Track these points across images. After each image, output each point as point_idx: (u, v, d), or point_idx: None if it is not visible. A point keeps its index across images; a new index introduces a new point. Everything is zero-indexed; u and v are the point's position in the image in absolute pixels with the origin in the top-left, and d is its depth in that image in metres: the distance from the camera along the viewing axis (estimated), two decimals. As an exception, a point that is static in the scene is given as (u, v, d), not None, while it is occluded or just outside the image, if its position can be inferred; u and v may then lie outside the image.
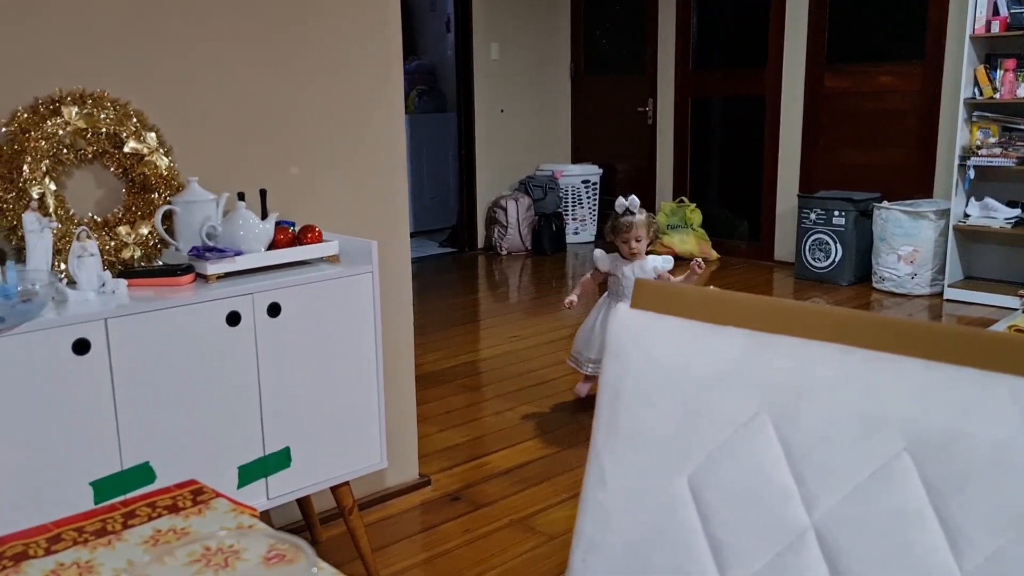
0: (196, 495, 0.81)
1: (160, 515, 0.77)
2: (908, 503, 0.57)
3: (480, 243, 6.70)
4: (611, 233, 3.43)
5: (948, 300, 5.01)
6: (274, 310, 1.99)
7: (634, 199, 3.36)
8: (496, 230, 6.57)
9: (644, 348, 0.69)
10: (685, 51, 6.44)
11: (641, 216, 3.38)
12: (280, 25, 2.31)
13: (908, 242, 5.09)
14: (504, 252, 6.54)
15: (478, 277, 6.08)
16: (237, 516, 0.78)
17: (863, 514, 0.58)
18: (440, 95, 7.45)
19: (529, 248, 6.55)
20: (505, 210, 6.49)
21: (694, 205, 6.35)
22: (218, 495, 0.82)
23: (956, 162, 4.91)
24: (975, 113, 4.90)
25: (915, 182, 5.42)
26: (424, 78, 7.45)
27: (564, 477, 2.82)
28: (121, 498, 0.80)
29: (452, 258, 6.52)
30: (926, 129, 5.34)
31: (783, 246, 6.00)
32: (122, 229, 2.06)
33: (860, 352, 0.60)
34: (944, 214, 5.03)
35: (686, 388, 0.67)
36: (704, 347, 0.67)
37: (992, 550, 0.53)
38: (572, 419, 3.31)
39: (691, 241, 6.24)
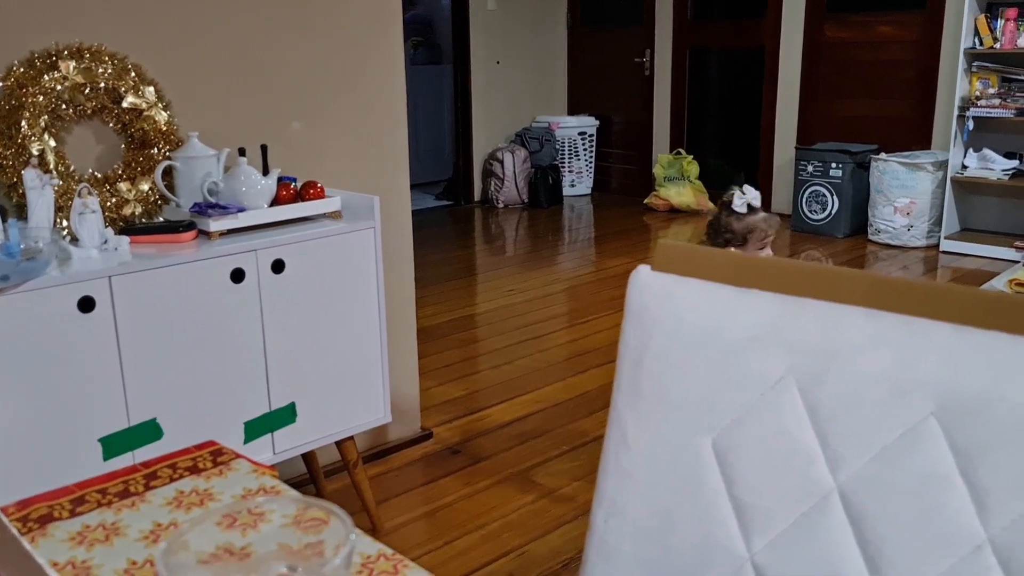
0: (216, 456, 0.82)
1: (182, 476, 0.78)
2: (935, 467, 0.58)
3: (476, 196, 6.68)
4: (725, 236, 2.53)
5: (944, 252, 5.03)
6: (278, 266, 1.99)
7: (751, 190, 2.53)
8: (492, 183, 6.54)
9: (669, 310, 0.69)
10: (683, 1, 6.35)
11: (764, 213, 2.55)
12: (277, -24, 2.27)
13: (905, 194, 5.09)
14: (500, 205, 6.52)
15: (474, 230, 6.07)
16: (259, 477, 0.79)
17: (889, 477, 0.59)
18: (436, 47, 7.36)
19: (525, 201, 6.53)
20: (501, 162, 6.45)
21: (691, 157, 6.32)
22: (238, 456, 0.83)
23: (955, 113, 4.88)
24: (975, 63, 4.87)
25: (913, 133, 5.39)
26: (420, 29, 7.35)
27: (562, 431, 2.85)
28: (142, 460, 0.81)
29: (448, 211, 6.50)
30: (925, 80, 5.30)
31: (780, 198, 6.00)
32: (123, 185, 2.04)
33: (889, 316, 0.61)
34: (942, 166, 5.02)
35: (712, 351, 0.67)
36: (731, 310, 0.67)
37: (1019, 513, 0.54)
38: (568, 373, 3.34)
39: (688, 193, 6.23)
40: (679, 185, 6.26)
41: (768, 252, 2.54)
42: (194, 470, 0.79)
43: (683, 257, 0.70)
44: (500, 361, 3.48)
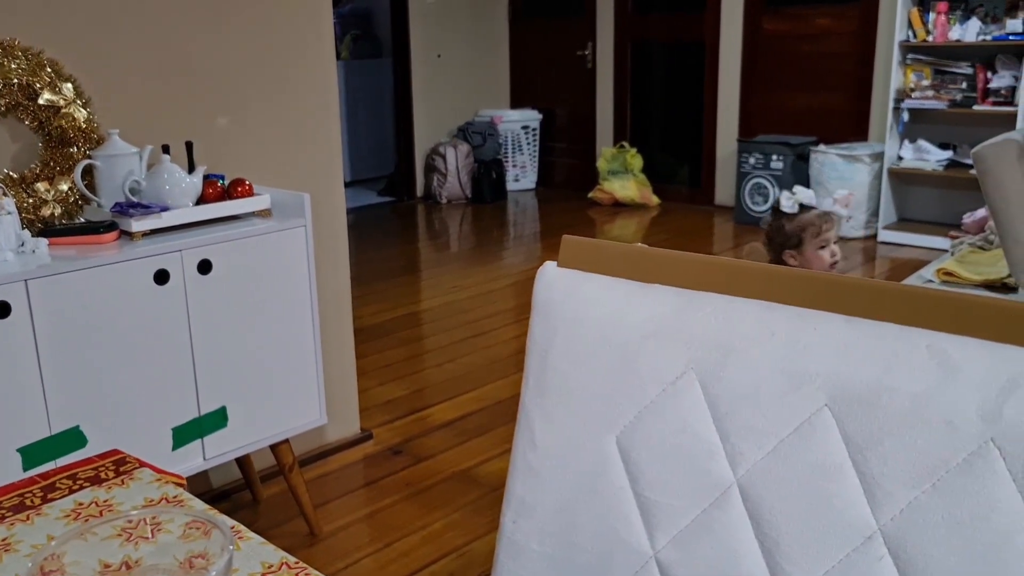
0: (119, 465, 0.78)
1: (82, 487, 0.75)
2: (828, 458, 0.57)
3: (419, 192, 6.63)
4: (779, 242, 2.34)
5: (882, 242, 5.13)
6: (204, 267, 1.94)
7: (804, 190, 2.32)
8: (435, 178, 6.50)
9: (572, 306, 0.68)
10: (624, -6, 6.37)
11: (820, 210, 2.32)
12: (201, -31, 2.21)
13: (843, 185, 5.17)
14: (444, 200, 6.48)
15: (417, 226, 6.02)
16: (162, 486, 0.76)
17: (785, 469, 0.59)
18: (375, 40, 7.28)
19: (469, 196, 6.50)
20: (444, 157, 6.41)
21: (635, 150, 6.35)
22: (142, 464, 0.79)
23: (891, 105, 4.97)
24: (909, 56, 4.96)
25: (851, 125, 5.48)
26: (358, 22, 7.27)
27: (505, 428, 2.83)
28: (40, 470, 0.78)
29: (391, 207, 6.44)
30: (862, 72, 5.39)
31: (723, 190, 6.06)
32: (40, 186, 1.97)
33: (784, 308, 0.60)
34: (879, 157, 5.11)
35: (615, 347, 0.66)
36: (633, 305, 0.66)
37: (907, 502, 0.54)
38: (512, 370, 3.33)
39: (632, 187, 6.26)
40: (623, 178, 6.28)
41: (834, 252, 2.32)
42: (95, 480, 0.76)
43: (588, 252, 0.69)
44: (443, 359, 3.46)
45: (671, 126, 6.51)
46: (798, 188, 2.33)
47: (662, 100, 6.56)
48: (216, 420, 2.00)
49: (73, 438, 1.79)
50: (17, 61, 1.91)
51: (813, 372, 0.58)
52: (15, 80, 1.90)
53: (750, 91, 5.86)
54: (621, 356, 0.66)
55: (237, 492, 2.44)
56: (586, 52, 6.61)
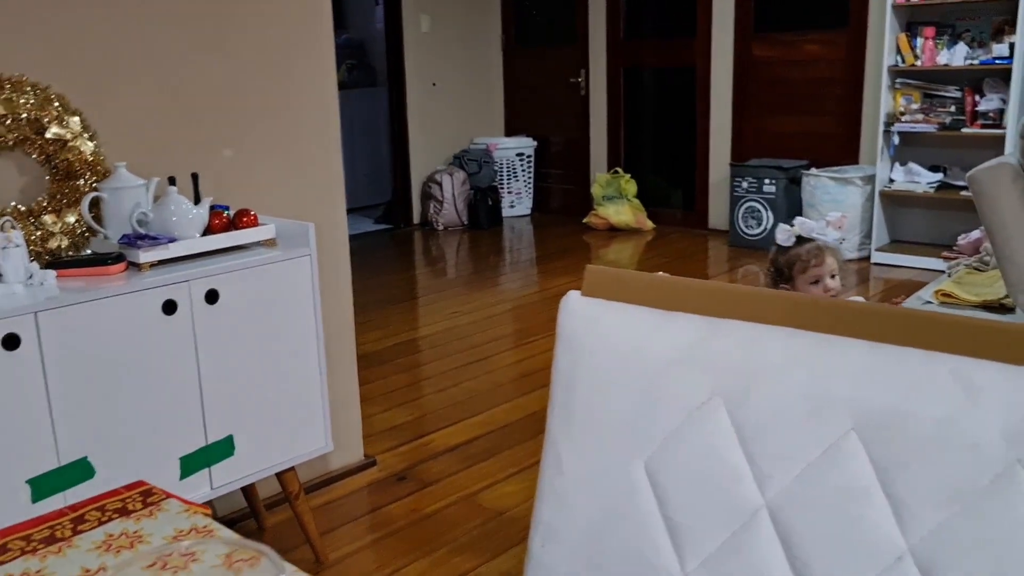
0: (146, 496, 0.79)
1: (111, 519, 0.76)
2: (856, 480, 0.59)
3: (416, 219, 6.66)
4: (784, 273, 2.28)
5: (875, 264, 5.16)
6: (212, 297, 1.95)
7: (805, 221, 2.26)
8: (432, 205, 6.53)
9: (597, 335, 0.70)
10: (615, 21, 6.45)
11: (824, 241, 2.26)
12: (208, 3, 2.24)
13: (836, 207, 5.21)
14: (440, 227, 6.50)
15: (415, 253, 6.05)
16: (191, 517, 0.77)
17: (813, 492, 0.60)
18: (370, 69, 7.34)
19: (465, 223, 6.53)
20: (440, 185, 6.45)
21: (629, 176, 6.39)
22: (168, 496, 0.80)
23: (881, 128, 5.03)
24: (898, 80, 5.03)
25: (842, 149, 5.54)
26: (353, 52, 7.33)
27: (509, 453, 2.84)
28: (69, 503, 0.79)
29: (388, 234, 6.46)
30: (851, 96, 5.46)
31: (717, 214, 6.10)
32: (48, 218, 1.99)
33: (807, 335, 0.62)
34: (870, 180, 5.16)
35: (640, 374, 0.68)
36: (657, 333, 0.68)
37: (936, 523, 0.56)
38: (514, 395, 3.33)
39: (627, 212, 6.30)
40: (617, 204, 6.32)
41: (827, 288, 2.23)
42: (123, 512, 0.77)
43: (611, 281, 0.71)
44: (446, 384, 3.46)
45: (664, 151, 6.57)
46: (798, 220, 2.26)
47: (655, 125, 6.62)
48: (223, 449, 2.00)
49: (81, 469, 1.79)
50: (25, 96, 1.93)
51: (838, 397, 0.60)
52: (23, 115, 1.92)
53: (742, 116, 5.92)
54: (646, 383, 0.68)
55: (242, 520, 2.43)
56: (579, 79, 6.68)
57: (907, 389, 0.57)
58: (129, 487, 0.82)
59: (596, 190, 6.45)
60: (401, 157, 6.57)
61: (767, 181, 5.49)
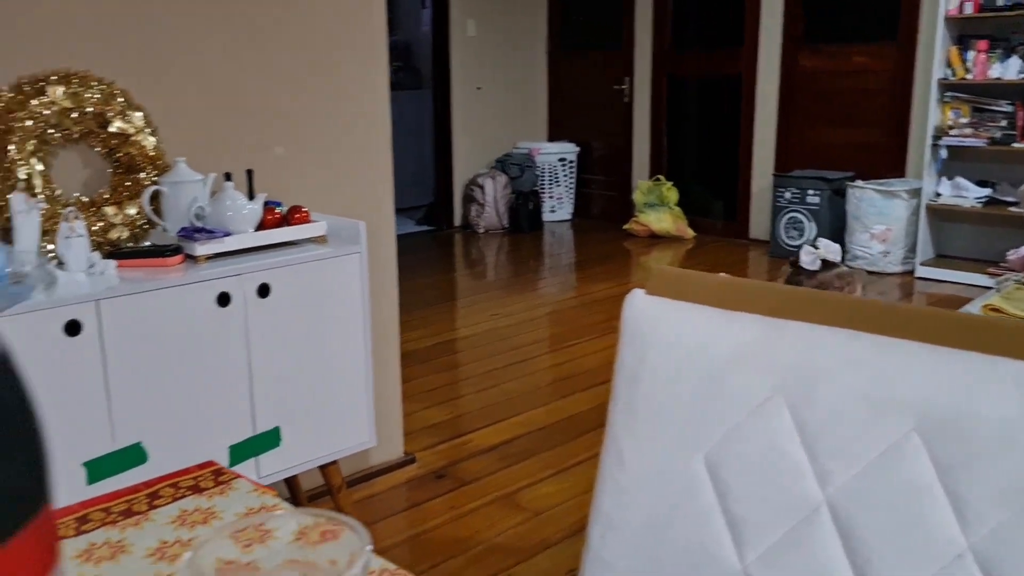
0: (217, 475, 0.83)
1: (184, 495, 0.79)
2: (918, 479, 0.60)
3: (457, 221, 6.71)
4: None
5: (919, 278, 5.10)
6: (264, 290, 2.00)
7: (829, 244, 2.23)
8: (473, 208, 6.57)
9: (661, 333, 0.72)
10: (663, 29, 6.45)
11: (849, 268, 2.26)
12: (266, 3, 2.30)
13: (881, 221, 5.17)
14: (481, 230, 6.54)
15: (456, 255, 6.09)
16: (260, 496, 0.80)
17: (874, 489, 0.62)
18: (415, 71, 7.41)
19: (506, 226, 6.56)
20: (482, 188, 6.49)
21: (671, 183, 6.38)
22: (238, 476, 0.84)
23: (928, 142, 4.98)
24: (947, 93, 4.97)
25: (888, 161, 5.49)
26: (399, 54, 7.40)
27: (547, 454, 2.86)
28: (126, 484, 0.82)
29: (429, 236, 6.52)
30: (899, 109, 5.41)
31: (758, 224, 6.07)
32: (109, 209, 2.05)
33: (869, 337, 0.63)
34: (916, 193, 5.11)
35: (703, 370, 0.70)
36: (720, 331, 0.70)
37: (997, 522, 0.57)
38: (553, 397, 3.35)
39: (667, 219, 6.29)
40: (659, 211, 6.32)
41: None
42: (196, 489, 0.80)
43: (675, 281, 0.73)
44: (484, 385, 3.49)
45: (707, 160, 6.55)
46: (822, 242, 2.21)
47: (698, 134, 6.61)
48: (271, 439, 2.05)
49: (135, 454, 1.84)
50: (91, 91, 1.99)
51: (899, 398, 0.61)
52: (89, 109, 1.99)
53: (786, 126, 5.89)
54: (708, 380, 0.69)
55: (284, 512, 2.48)
56: (623, 86, 6.68)
57: (969, 391, 0.59)
58: (200, 466, 0.86)
59: (638, 197, 6.45)
60: (444, 160, 6.63)
61: (811, 192, 5.45)
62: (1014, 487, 0.56)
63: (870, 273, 5.22)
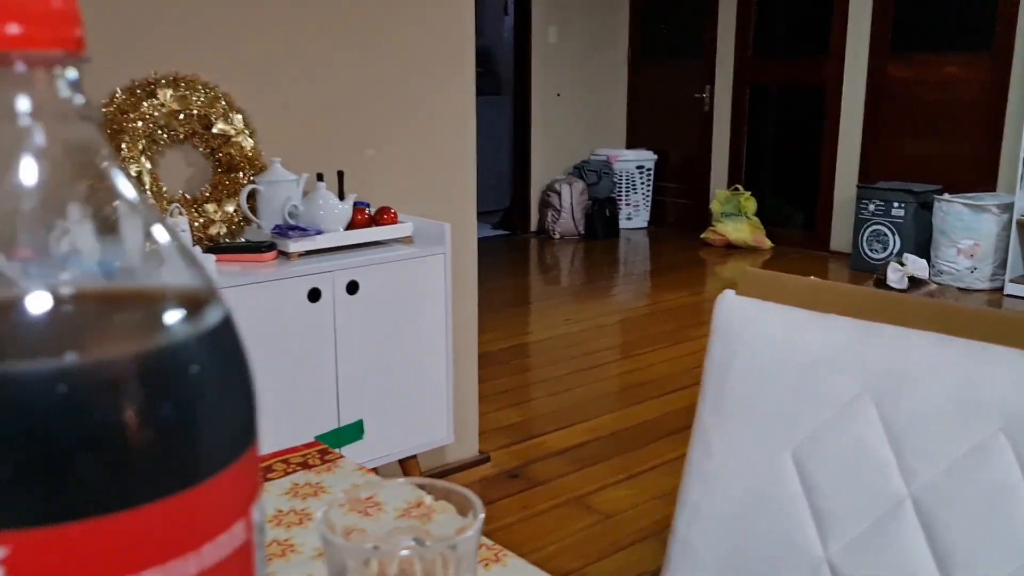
0: (323, 454, 0.89)
1: (295, 471, 0.85)
2: (1004, 478, 0.62)
3: (533, 226, 6.76)
4: None
5: (1008, 295, 4.95)
6: (352, 287, 2.07)
7: (916, 260, 1.95)
8: (549, 214, 6.62)
9: (752, 332, 0.75)
10: (745, 37, 6.40)
11: (937, 286, 2.10)
12: (359, 13, 2.38)
13: (969, 235, 5.03)
14: (557, 236, 6.58)
15: (531, 260, 6.14)
16: (364, 475, 0.85)
17: (960, 487, 0.64)
18: (496, 77, 7.49)
19: (582, 232, 6.58)
20: (559, 194, 6.53)
21: (749, 193, 6.32)
22: (342, 456, 0.89)
23: (1022, 155, 4.83)
24: (1043, 106, 4.82)
25: (978, 175, 5.34)
26: (480, 60, 7.49)
27: (619, 459, 2.88)
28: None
29: (505, 240, 6.58)
30: (991, 121, 5.26)
31: (839, 236, 5.96)
32: (209, 207, 2.16)
33: (957, 341, 0.65)
34: (1007, 208, 4.96)
35: (792, 369, 0.73)
36: (809, 332, 0.72)
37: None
38: (625, 403, 3.37)
39: (745, 229, 6.23)
40: (736, 221, 6.26)
41: None
42: (305, 465, 0.86)
43: (766, 283, 0.76)
44: (557, 389, 3.53)
45: (787, 170, 6.46)
46: (909, 257, 2.18)
47: (778, 143, 6.53)
48: (354, 431, 2.12)
49: (354, 430, 1.95)
50: (197, 94, 2.10)
51: (987, 400, 0.63)
52: (194, 111, 2.09)
53: (872, 136, 5.78)
54: (797, 378, 0.72)
55: (363, 503, 2.56)
56: (704, 95, 6.65)
57: (1058, 395, 0.60)
58: (307, 445, 0.92)
59: (715, 206, 6.40)
60: (522, 165, 6.69)
61: (896, 204, 5.34)
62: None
63: (957, 289, 5.09)
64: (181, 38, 2.10)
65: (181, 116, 2.08)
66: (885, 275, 2.16)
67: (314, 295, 2.02)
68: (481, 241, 7.06)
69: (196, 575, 0.26)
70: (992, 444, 0.63)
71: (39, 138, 0.26)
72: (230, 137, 2.16)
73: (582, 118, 6.86)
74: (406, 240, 2.25)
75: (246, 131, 2.18)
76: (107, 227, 0.28)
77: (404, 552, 0.54)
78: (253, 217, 2.16)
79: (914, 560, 0.66)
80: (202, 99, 2.10)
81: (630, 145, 7.12)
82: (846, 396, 0.69)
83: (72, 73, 0.27)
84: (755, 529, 0.74)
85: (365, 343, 2.11)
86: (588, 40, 6.80)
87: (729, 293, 0.78)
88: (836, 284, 0.75)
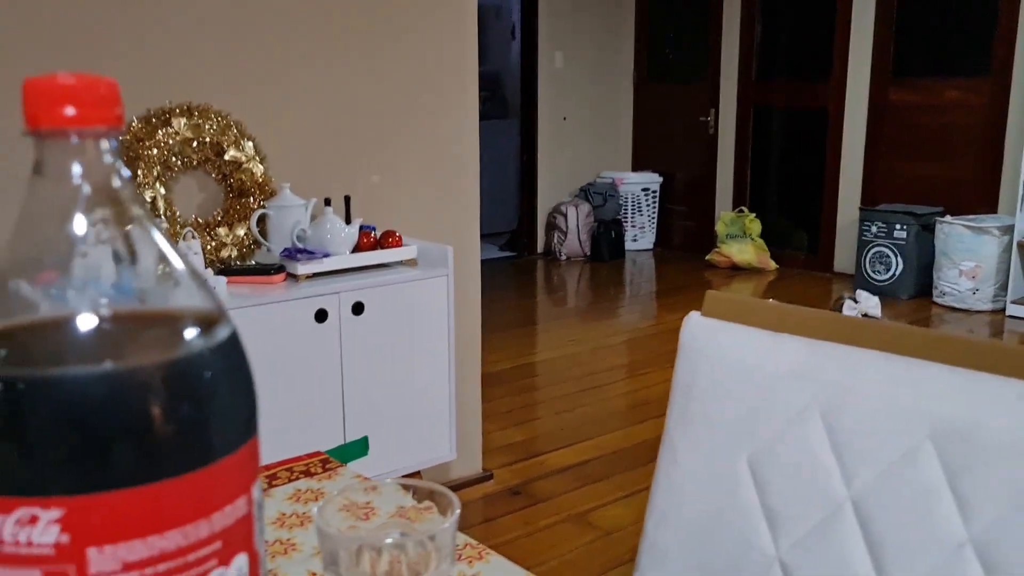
0: (324, 463, 0.95)
1: (298, 478, 0.92)
2: (929, 480, 0.68)
3: (539, 248, 6.84)
4: None
5: (1011, 316, 4.99)
6: (358, 308, 2.15)
7: (870, 297, 2.02)
8: (555, 235, 6.70)
9: (714, 350, 0.81)
10: (748, 61, 6.49)
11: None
12: (363, 44, 2.47)
13: (970, 257, 5.08)
14: (563, 258, 6.66)
15: (537, 282, 6.21)
16: (362, 483, 0.92)
17: (891, 489, 0.70)
18: (503, 101, 7.60)
19: (588, 254, 6.66)
20: (565, 216, 6.61)
21: (753, 215, 6.39)
22: (342, 465, 0.96)
23: (1022, 178, 4.89)
24: (1042, 129, 4.88)
25: (979, 197, 5.40)
26: (487, 85, 7.61)
27: (620, 477, 2.93)
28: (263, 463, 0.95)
29: (511, 262, 6.66)
30: (992, 144, 5.32)
31: (842, 258, 6.02)
32: (221, 230, 2.24)
33: (897, 358, 0.71)
34: (1008, 230, 5.01)
35: (751, 384, 0.79)
36: (767, 351, 0.79)
37: (994, 518, 0.64)
38: (628, 423, 3.42)
39: (750, 251, 6.29)
40: (741, 242, 6.32)
41: None
42: (307, 473, 0.93)
43: (728, 306, 0.82)
44: (560, 408, 3.59)
45: (790, 192, 6.53)
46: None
47: (782, 166, 6.60)
48: (359, 448, 2.19)
49: (360, 446, 2.01)
50: (210, 122, 2.19)
51: (918, 410, 0.69)
52: (207, 139, 2.18)
53: (874, 159, 5.85)
54: (755, 392, 0.78)
55: (368, 519, 2.62)
56: (708, 118, 6.74)
57: (977, 406, 0.66)
58: (309, 455, 0.98)
59: (720, 228, 6.47)
60: (528, 187, 6.78)
61: (898, 227, 5.39)
62: (1011, 488, 0.64)
63: (958, 311, 5.13)
64: (195, 68, 2.19)
65: (194, 144, 2.17)
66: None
67: (321, 316, 2.09)
68: (487, 263, 7.15)
69: (208, 537, 0.33)
70: (920, 449, 0.69)
71: (87, 192, 0.34)
72: (241, 163, 2.25)
73: (588, 141, 6.96)
74: (410, 262, 2.33)
75: (257, 157, 2.27)
76: (136, 259, 0.36)
77: (388, 541, 0.60)
78: (263, 240, 2.24)
79: (852, 556, 0.72)
80: (214, 127, 2.19)
81: (636, 167, 7.20)
82: (797, 407, 0.76)
83: (114, 143, 0.34)
84: (716, 531, 0.80)
85: (370, 362, 2.18)
86: (594, 65, 6.91)
87: (695, 315, 0.84)
88: (794, 307, 0.82)
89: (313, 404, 2.11)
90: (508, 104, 7.53)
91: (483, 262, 7.03)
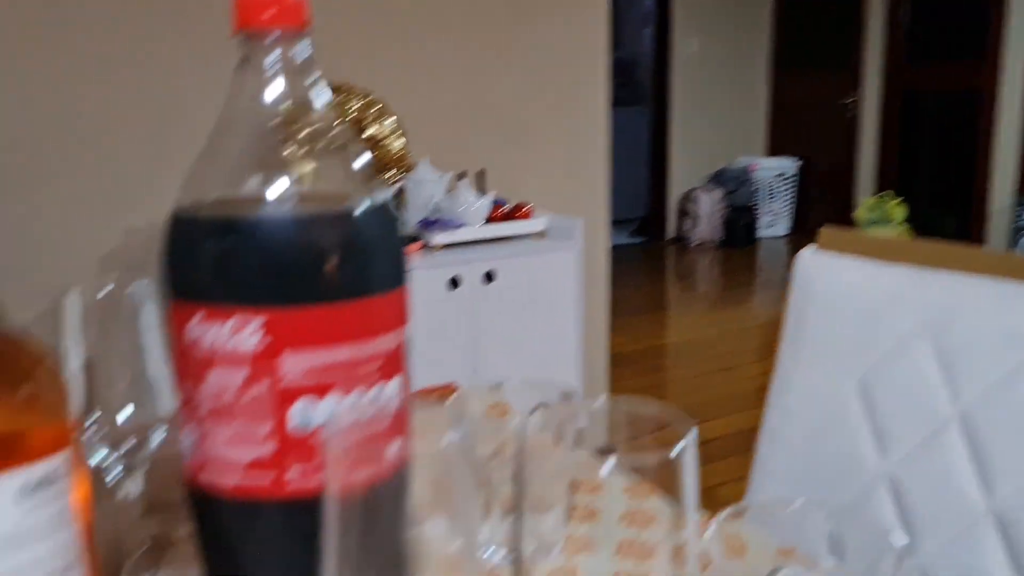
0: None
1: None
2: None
3: (670, 234, 6.80)
4: None
5: None
6: (489, 277, 2.24)
7: None
8: (687, 221, 6.65)
9: (827, 280, 0.85)
10: (896, 42, 6.24)
11: None
12: (501, 25, 2.56)
13: None
14: (694, 243, 6.60)
15: (667, 267, 6.19)
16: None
17: (1000, 406, 0.72)
18: (637, 88, 7.59)
19: (720, 240, 6.57)
20: (697, 202, 6.55)
21: (897, 200, 6.14)
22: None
23: None
24: None
25: None
26: (622, 71, 7.60)
27: (743, 457, 2.91)
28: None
29: (641, 248, 6.66)
30: None
31: (995, 245, 5.72)
32: (363, 203, 2.37)
33: (1006, 283, 0.73)
34: None
35: (859, 309, 0.82)
36: (877, 278, 0.82)
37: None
38: (752, 405, 3.39)
39: (892, 236, 6.06)
40: (883, 228, 6.09)
41: None
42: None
43: (841, 239, 0.85)
44: (687, 389, 3.59)
45: (938, 177, 6.24)
46: None
47: (929, 150, 6.31)
48: (489, 411, 2.28)
49: None
50: (353, 101, 2.33)
51: (1022, 330, 0.71)
52: (350, 117, 2.32)
53: (1031, 142, 5.52)
54: (865, 317, 0.81)
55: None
56: (849, 101, 6.52)
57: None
58: (444, 386, 1.07)
59: (860, 214, 6.25)
60: (659, 172, 6.75)
61: (1055, 212, 5.08)
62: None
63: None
64: (340, 49, 2.34)
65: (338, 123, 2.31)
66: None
67: (454, 283, 2.20)
68: (618, 248, 7.15)
69: (371, 357, 0.41)
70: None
71: (279, 85, 0.42)
72: (379, 140, 2.38)
73: (722, 126, 6.86)
74: (540, 235, 2.41)
75: (395, 133, 2.40)
76: (324, 149, 0.44)
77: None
78: (399, 212, 2.37)
79: (958, 470, 0.74)
80: (357, 106, 2.33)
81: (771, 153, 7.05)
82: (905, 330, 0.78)
83: (305, 48, 0.43)
84: (825, 448, 0.83)
85: (501, 329, 2.27)
86: (729, 49, 6.80)
87: (808, 249, 0.88)
88: (904, 239, 0.84)
89: (447, 367, 2.21)
90: (641, 90, 7.51)
91: (613, 248, 7.03)
